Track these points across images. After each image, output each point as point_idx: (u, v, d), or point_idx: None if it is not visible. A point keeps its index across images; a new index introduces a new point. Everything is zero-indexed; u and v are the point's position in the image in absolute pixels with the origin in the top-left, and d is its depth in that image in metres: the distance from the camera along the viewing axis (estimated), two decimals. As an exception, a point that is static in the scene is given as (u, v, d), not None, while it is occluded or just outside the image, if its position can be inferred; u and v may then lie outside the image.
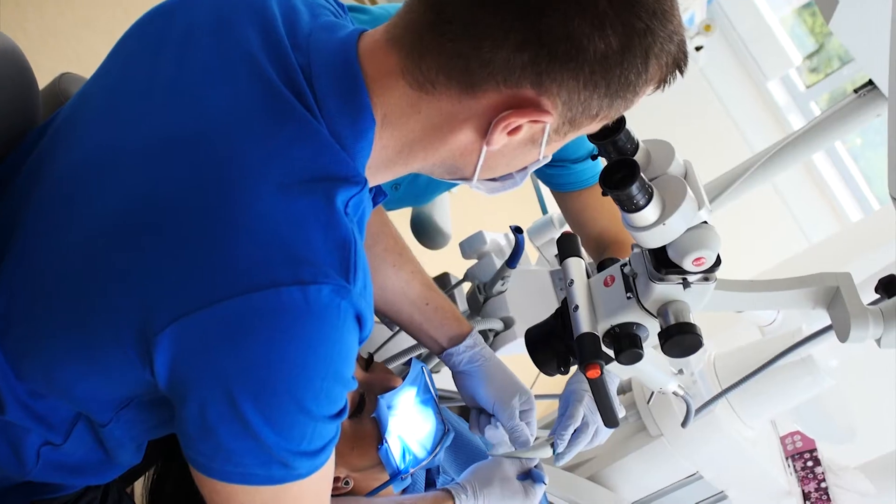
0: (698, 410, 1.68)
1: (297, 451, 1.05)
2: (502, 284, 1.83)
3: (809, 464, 2.61)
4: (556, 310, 1.43)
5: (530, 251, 2.12)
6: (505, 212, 4.60)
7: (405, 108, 1.08)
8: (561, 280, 1.97)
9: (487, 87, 1.04)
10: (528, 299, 1.87)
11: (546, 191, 2.32)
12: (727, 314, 2.34)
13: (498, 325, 1.83)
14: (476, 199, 4.55)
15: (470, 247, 1.99)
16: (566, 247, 1.44)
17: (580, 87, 1.04)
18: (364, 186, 1.08)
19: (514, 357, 1.86)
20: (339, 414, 1.08)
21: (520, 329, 1.83)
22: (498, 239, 2.00)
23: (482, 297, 1.87)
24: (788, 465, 2.59)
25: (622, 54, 1.02)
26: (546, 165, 1.92)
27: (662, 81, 1.10)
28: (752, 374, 1.63)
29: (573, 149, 1.86)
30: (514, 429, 1.59)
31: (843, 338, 1.43)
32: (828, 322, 1.47)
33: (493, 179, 1.20)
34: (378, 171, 1.14)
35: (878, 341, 1.44)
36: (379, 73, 1.08)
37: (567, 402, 1.64)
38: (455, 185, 2.12)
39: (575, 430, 1.62)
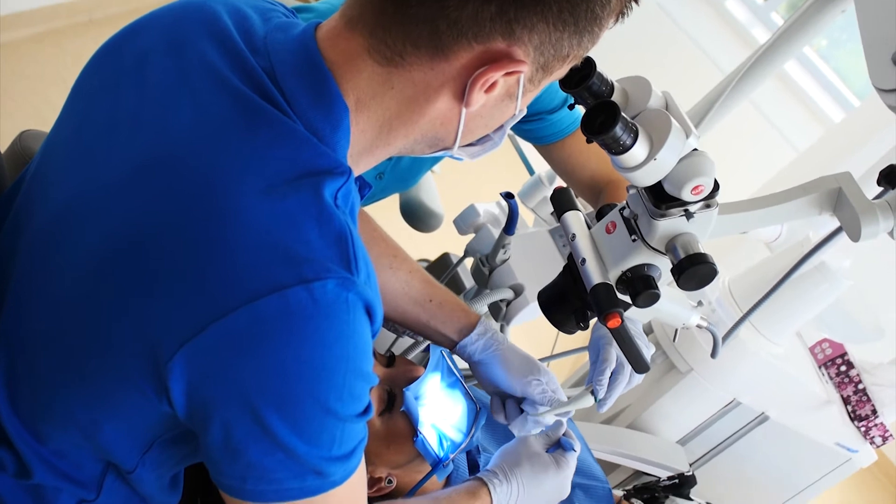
0: (725, 338, 1.66)
1: (329, 456, 1.03)
2: (504, 253, 1.81)
3: (843, 368, 2.60)
4: (564, 267, 1.41)
5: (525, 214, 2.10)
6: (492, 181, 4.58)
7: (377, 87, 1.05)
8: (562, 237, 1.96)
9: (458, 48, 1.01)
10: (533, 262, 1.84)
11: (530, 151, 2.30)
12: (730, 238, 2.32)
13: (508, 294, 1.81)
14: (461, 175, 4.55)
15: (464, 222, 1.97)
16: (561, 202, 1.41)
17: (550, 28, 1.01)
18: (349, 176, 1.05)
19: (530, 323, 1.85)
20: (365, 412, 1.05)
21: (531, 293, 1.81)
22: (490, 209, 1.98)
23: (486, 269, 1.84)
24: (822, 374, 2.58)
25: None
26: (523, 121, 1.93)
27: (621, 13, 1.08)
28: (771, 292, 1.61)
29: (547, 100, 1.85)
30: (550, 402, 1.57)
31: (855, 237, 1.41)
32: (836, 225, 1.45)
33: (473, 144, 1.18)
34: (361, 157, 1.12)
35: (892, 233, 1.42)
36: (343, 59, 1.05)
37: (597, 347, 1.61)
38: (437, 161, 2.10)
39: (612, 374, 1.59)
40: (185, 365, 0.96)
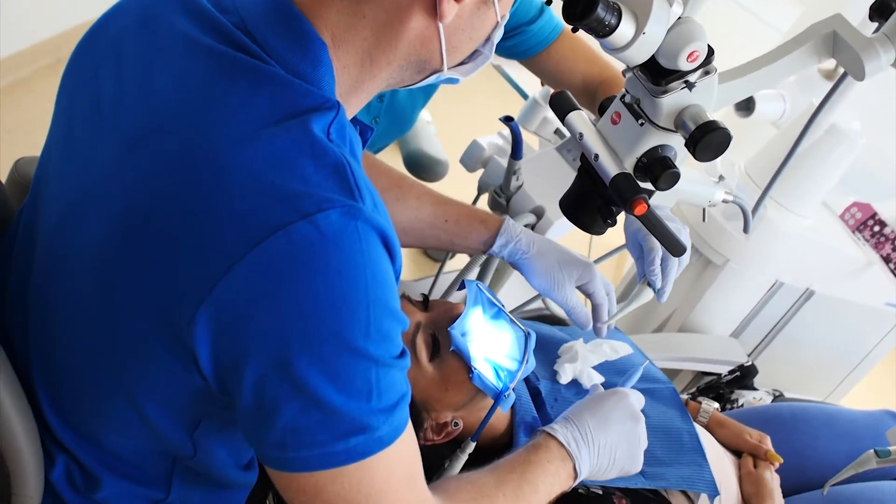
0: (754, 211, 1.65)
1: (370, 408, 0.98)
2: (517, 179, 1.80)
3: (876, 229, 2.58)
4: (579, 168, 1.39)
5: (530, 139, 2.08)
6: (487, 116, 4.58)
7: (349, 18, 1.04)
8: (570, 152, 1.94)
9: None
10: (547, 182, 1.83)
11: (518, 74, 2.29)
12: (736, 126, 2.30)
13: (530, 219, 1.80)
14: (455, 117, 4.53)
15: (470, 158, 1.96)
16: (561, 104, 1.40)
17: None
18: (338, 109, 1.03)
19: (561, 240, 1.84)
20: (400, 356, 1.02)
21: (553, 213, 1.80)
22: (494, 140, 1.96)
23: (503, 199, 1.84)
24: (858, 238, 2.56)
25: None
26: (505, 38, 1.92)
27: None
28: (791, 154, 1.60)
29: (523, 11, 1.85)
30: (570, 311, 1.57)
31: (860, 76, 1.40)
32: (839, 74, 1.44)
33: (463, 63, 1.16)
34: (350, 95, 1.10)
35: (895, 63, 1.40)
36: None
37: (637, 241, 1.60)
38: (429, 95, 2.09)
39: (661, 262, 1.59)
40: (206, 325, 0.94)
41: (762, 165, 2.37)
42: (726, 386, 2.31)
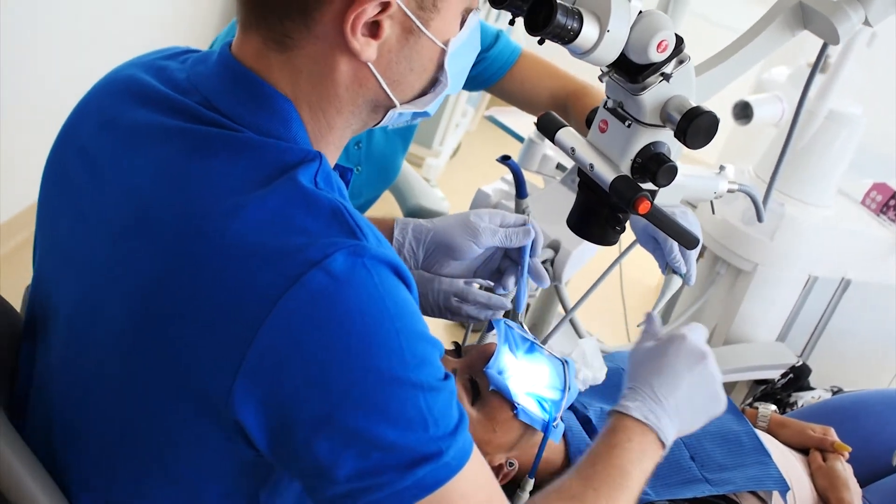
0: (765, 202, 1.64)
1: (428, 436, 0.97)
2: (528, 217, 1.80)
3: (899, 207, 2.56)
4: (579, 183, 1.40)
5: (534, 179, 2.09)
6: (484, 167, 4.65)
7: (290, 75, 1.05)
8: (574, 181, 1.95)
9: (319, 4, 1.00)
10: (558, 215, 1.82)
11: (512, 120, 2.31)
12: (739, 136, 2.30)
13: (548, 254, 1.80)
14: (457, 174, 4.56)
15: (478, 208, 1.96)
16: (548, 125, 1.41)
17: None
18: (320, 159, 1.04)
19: (579, 275, 1.83)
20: (445, 379, 1.01)
21: (569, 244, 1.80)
22: (498, 186, 1.97)
23: (518, 240, 1.84)
24: (883, 220, 2.54)
25: None
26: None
27: None
28: (788, 138, 1.59)
29: (480, 41, 1.87)
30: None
31: (835, 40, 1.41)
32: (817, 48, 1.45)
33: (423, 94, 1.15)
34: (320, 146, 1.10)
35: (868, 22, 1.41)
36: (256, 61, 1.05)
37: (648, 234, 1.61)
38: (409, 137, 2.11)
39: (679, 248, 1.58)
40: (245, 393, 0.94)
41: (769, 165, 2.36)
42: (782, 390, 2.28)
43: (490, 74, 1.96)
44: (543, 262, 1.81)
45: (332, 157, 1.13)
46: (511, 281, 1.56)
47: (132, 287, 1.01)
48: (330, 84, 1.06)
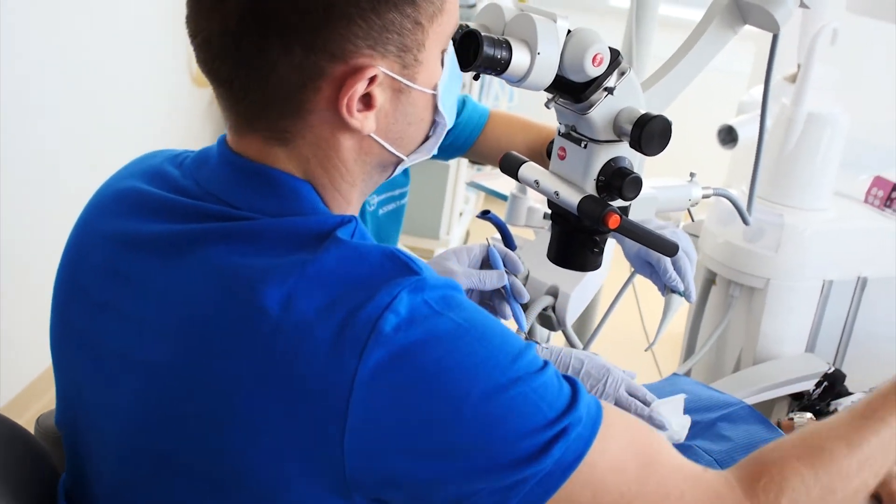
0: (749, 205, 1.64)
1: (549, 420, 0.97)
2: (523, 272, 1.80)
3: (902, 198, 2.54)
4: (551, 215, 1.41)
5: (523, 232, 2.09)
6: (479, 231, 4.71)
7: (300, 163, 1.07)
8: (560, 224, 1.95)
9: (310, 96, 1.03)
10: (551, 263, 1.83)
11: (494, 182, 2.33)
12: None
13: (548, 301, 1.79)
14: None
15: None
16: (510, 164, 1.42)
17: (363, 23, 1.01)
18: (356, 221, 1.06)
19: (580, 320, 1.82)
20: (543, 366, 1.01)
21: (566, 286, 1.78)
22: (496, 246, 1.97)
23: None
24: (888, 214, 2.52)
25: None
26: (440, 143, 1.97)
27: None
28: (760, 139, 1.59)
29: None
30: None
31: (775, 28, 1.42)
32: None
33: (427, 139, 1.16)
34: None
35: (803, 4, 1.42)
36: (263, 156, 1.07)
37: (641, 259, 1.60)
38: (399, 219, 2.13)
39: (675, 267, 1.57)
40: (354, 453, 0.95)
41: (744, 172, 2.36)
42: (820, 400, 2.23)
43: (463, 140, 1.99)
44: (545, 309, 1.80)
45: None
46: (506, 309, 1.56)
47: (210, 389, 1.01)
48: (338, 163, 1.08)
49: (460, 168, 4.38)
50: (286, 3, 0.98)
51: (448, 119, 1.15)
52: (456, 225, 4.67)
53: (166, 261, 1.08)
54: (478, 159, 2.04)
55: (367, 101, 1.05)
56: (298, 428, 0.96)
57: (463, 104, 1.96)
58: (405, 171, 2.11)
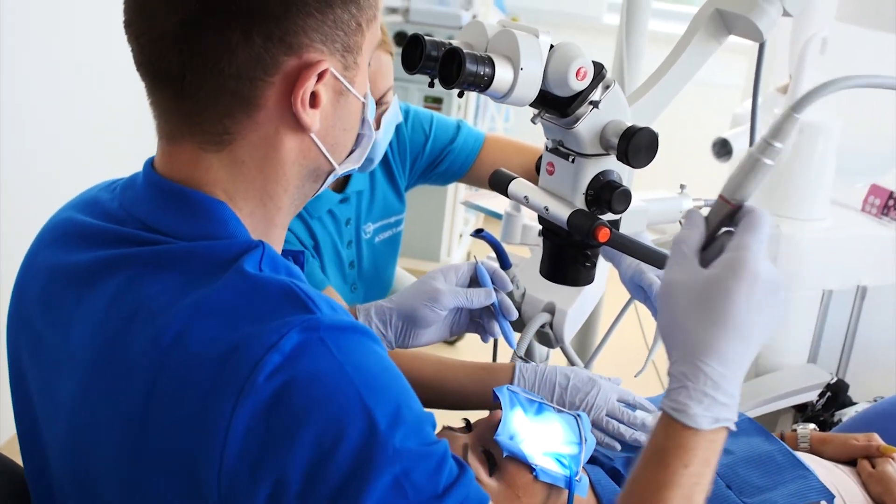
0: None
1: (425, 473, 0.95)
2: (517, 287, 1.80)
3: (899, 205, 2.54)
4: (543, 231, 1.41)
5: (519, 251, 2.09)
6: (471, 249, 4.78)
7: (230, 169, 1.07)
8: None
9: (261, 90, 1.03)
10: (547, 280, 1.83)
11: (488, 200, 2.33)
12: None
13: (545, 318, 1.79)
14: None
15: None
16: (499, 181, 1.42)
17: (318, 16, 1.02)
18: (262, 246, 1.05)
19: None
20: (432, 444, 0.98)
21: (562, 303, 1.79)
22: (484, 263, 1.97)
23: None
24: (886, 222, 2.52)
25: None
26: (436, 165, 2.00)
27: None
28: (752, 139, 1.58)
29: (442, 135, 2.00)
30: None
31: (759, 37, 1.42)
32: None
33: (352, 151, 1.17)
34: (267, 234, 1.11)
35: (786, 12, 1.42)
36: (190, 168, 1.07)
37: (635, 284, 1.60)
38: (396, 246, 2.13)
39: None
40: (227, 488, 0.94)
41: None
42: (824, 410, 2.22)
43: (459, 165, 2.01)
44: (542, 327, 1.79)
45: (280, 238, 1.15)
46: (495, 327, 1.55)
47: (116, 419, 1.01)
48: (276, 164, 1.07)
49: (458, 189, 4.39)
50: None
51: (373, 133, 1.17)
52: (456, 246, 4.67)
53: (81, 291, 1.09)
54: (475, 185, 2.06)
55: (312, 101, 1.05)
56: (181, 463, 0.95)
57: (458, 129, 1.98)
58: (401, 198, 2.11)
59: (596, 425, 1.57)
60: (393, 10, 4.27)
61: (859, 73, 1.10)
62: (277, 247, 1.13)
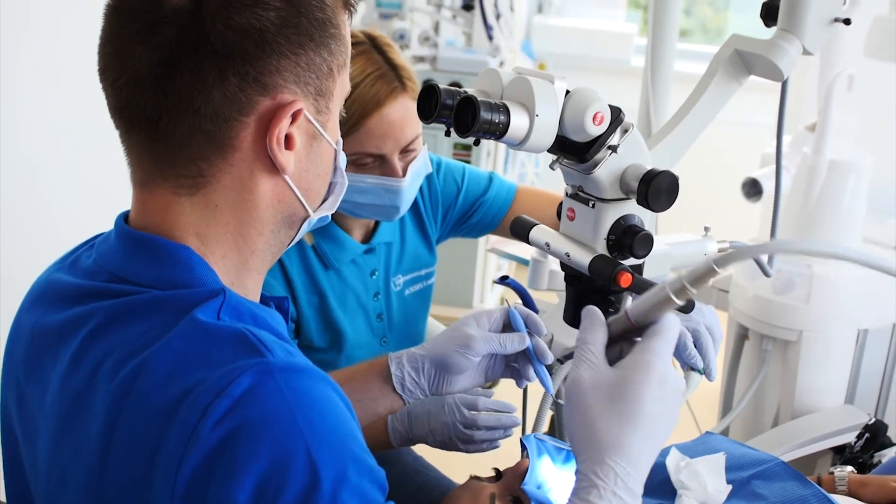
0: (770, 259, 1.61)
1: None
2: (547, 335, 1.78)
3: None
4: (566, 277, 1.40)
5: (546, 297, 2.08)
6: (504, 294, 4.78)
7: (203, 212, 1.06)
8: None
9: (236, 131, 1.03)
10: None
11: (514, 247, 2.32)
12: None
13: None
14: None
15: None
16: (521, 228, 1.41)
17: (292, 59, 1.03)
18: (223, 293, 1.04)
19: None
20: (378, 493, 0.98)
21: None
22: (517, 307, 1.96)
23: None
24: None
25: (296, 5, 1.03)
26: (468, 217, 1.98)
27: (347, 4, 1.10)
28: (777, 186, 1.57)
29: (474, 187, 1.98)
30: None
31: (779, 77, 1.42)
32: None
33: (324, 200, 1.17)
34: (241, 277, 1.11)
35: (806, 51, 1.41)
36: (161, 214, 1.07)
37: (663, 331, 1.57)
38: (428, 298, 2.10)
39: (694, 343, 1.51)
40: None
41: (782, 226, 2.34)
42: (863, 452, 2.18)
43: (492, 217, 2.00)
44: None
45: (257, 283, 1.14)
46: (530, 372, 1.52)
47: (80, 474, 1.02)
48: (251, 207, 1.07)
49: (488, 236, 4.38)
50: (222, 31, 0.99)
51: (345, 180, 1.17)
52: (489, 292, 4.66)
53: (57, 349, 1.09)
54: (507, 235, 2.04)
55: (287, 142, 1.05)
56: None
57: (490, 181, 1.97)
58: (432, 250, 2.10)
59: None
60: (420, 59, 4.30)
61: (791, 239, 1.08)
62: (254, 291, 1.13)
